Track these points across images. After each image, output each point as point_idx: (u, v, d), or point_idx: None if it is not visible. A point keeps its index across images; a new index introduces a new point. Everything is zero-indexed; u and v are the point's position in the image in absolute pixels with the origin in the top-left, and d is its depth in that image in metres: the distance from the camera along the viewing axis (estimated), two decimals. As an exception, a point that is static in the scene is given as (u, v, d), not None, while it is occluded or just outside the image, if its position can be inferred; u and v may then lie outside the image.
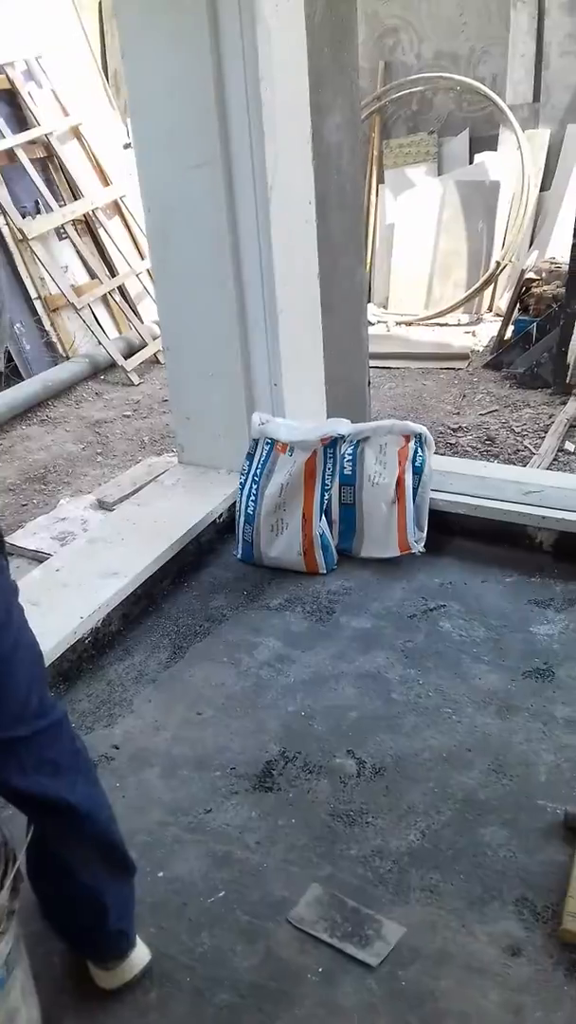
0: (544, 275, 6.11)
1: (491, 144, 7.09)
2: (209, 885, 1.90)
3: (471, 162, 7.20)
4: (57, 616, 2.59)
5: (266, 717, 2.38)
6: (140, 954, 1.69)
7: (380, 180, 7.55)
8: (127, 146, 6.67)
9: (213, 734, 2.33)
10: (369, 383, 3.95)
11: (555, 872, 1.86)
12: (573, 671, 2.47)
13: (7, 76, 5.97)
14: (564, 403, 5.34)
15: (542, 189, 6.91)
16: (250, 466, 2.96)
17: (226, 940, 1.78)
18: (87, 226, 6.45)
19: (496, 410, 5.54)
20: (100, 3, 7.62)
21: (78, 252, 6.26)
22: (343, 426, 2.84)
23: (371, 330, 7.33)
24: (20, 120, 6.10)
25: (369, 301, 7.82)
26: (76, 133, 6.44)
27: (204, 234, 2.89)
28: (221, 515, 3.23)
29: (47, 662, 2.38)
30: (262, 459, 2.93)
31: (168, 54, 2.69)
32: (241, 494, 2.99)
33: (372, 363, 6.42)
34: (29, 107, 6.10)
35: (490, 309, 7.27)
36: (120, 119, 6.83)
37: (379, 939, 1.75)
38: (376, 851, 1.96)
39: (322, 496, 2.90)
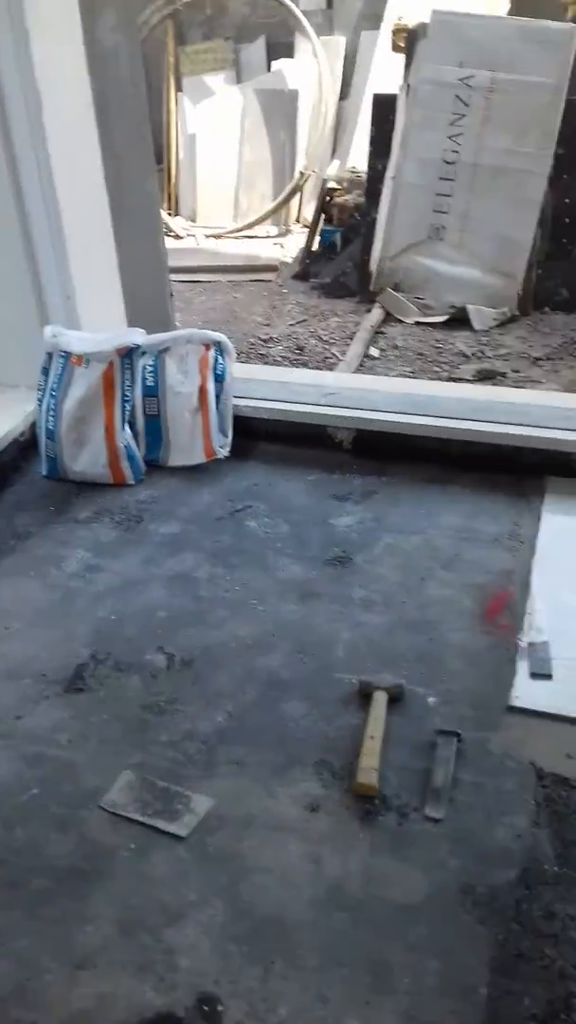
0: (346, 184, 6.21)
1: (288, 51, 7.05)
2: (22, 784, 1.94)
3: (269, 70, 7.14)
4: None
5: (76, 624, 2.42)
6: None
7: (179, 88, 7.39)
8: None
9: (22, 646, 2.35)
10: (172, 294, 3.94)
11: (351, 735, 2.01)
12: (368, 556, 2.63)
13: None
14: (369, 310, 5.51)
15: (341, 98, 6.96)
16: (46, 381, 2.93)
17: (40, 832, 1.84)
18: None
19: (305, 320, 5.65)
20: None
21: None
22: (138, 336, 2.85)
23: (180, 244, 7.26)
24: None
25: (177, 214, 7.72)
26: None
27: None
28: (23, 433, 3.18)
29: None
30: (58, 373, 2.90)
31: None
32: (39, 410, 2.96)
33: (182, 277, 6.40)
34: None
35: (297, 220, 7.33)
36: None
37: (188, 812, 1.86)
38: (186, 735, 2.05)
39: (123, 407, 2.92)
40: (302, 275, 6.29)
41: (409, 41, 4.98)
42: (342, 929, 1.63)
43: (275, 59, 7.03)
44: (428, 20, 4.84)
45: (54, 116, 2.67)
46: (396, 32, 5.05)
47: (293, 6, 6.69)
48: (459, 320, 5.23)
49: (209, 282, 6.35)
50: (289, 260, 6.67)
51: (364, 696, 2.11)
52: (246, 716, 2.10)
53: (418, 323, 5.30)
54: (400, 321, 5.38)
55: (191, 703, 2.15)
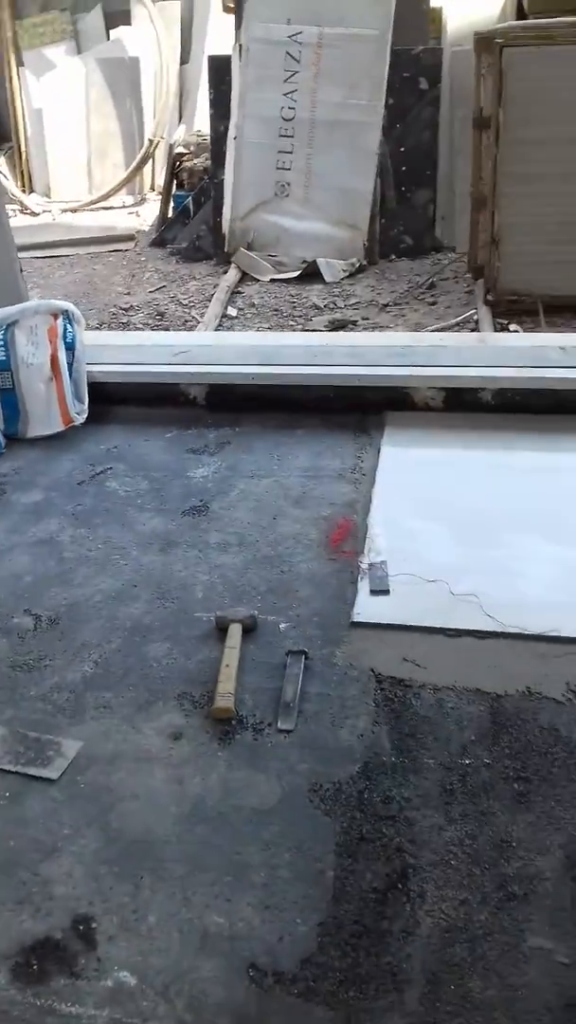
0: (193, 148, 6.20)
1: (126, 19, 6.94)
2: None
3: (108, 39, 7.02)
4: None
5: None
6: None
7: (20, 63, 7.20)
8: None
9: None
10: (21, 269, 3.90)
11: (210, 668, 2.11)
12: (223, 503, 2.72)
13: None
14: (225, 272, 5.55)
15: (182, 63, 6.91)
16: None
17: None
18: None
19: (164, 286, 5.66)
20: None
21: None
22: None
23: (37, 220, 7.13)
24: None
25: (32, 191, 7.57)
26: None
27: None
28: None
29: None
30: None
31: None
32: None
33: (41, 254, 6.31)
34: None
35: (152, 188, 7.27)
36: None
37: (59, 756, 1.93)
38: (54, 687, 2.12)
39: (-26, 383, 2.92)
40: (159, 242, 6.27)
41: (237, 2, 4.98)
42: (204, 839, 1.74)
43: (113, 28, 6.91)
44: (252, -20, 4.86)
45: None
46: (223, -6, 5.05)
47: (126, -27, 6.61)
48: (312, 274, 5.32)
49: (68, 256, 6.28)
50: (146, 228, 6.63)
51: (221, 630, 2.21)
52: (111, 663, 2.18)
53: (273, 280, 5.36)
54: (256, 280, 5.44)
55: (58, 657, 2.21)
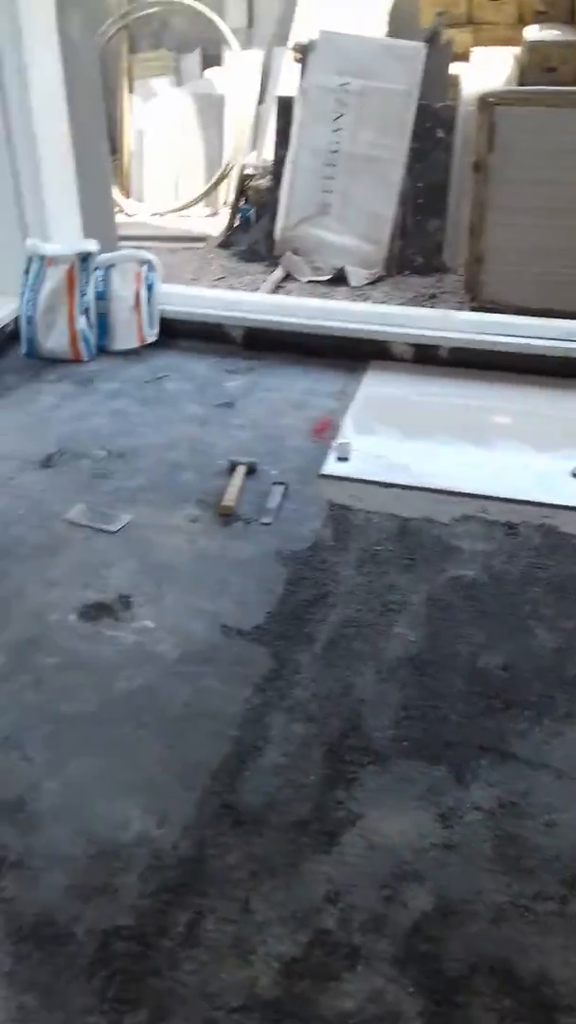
0: (259, 171, 6.99)
1: (218, 61, 7.77)
2: (13, 511, 2.75)
3: (202, 77, 7.85)
4: None
5: (47, 434, 3.22)
6: None
7: (131, 90, 8.05)
8: None
9: (11, 444, 3.15)
10: (116, 229, 4.70)
11: (220, 489, 2.87)
12: (245, 403, 3.48)
13: None
14: (273, 271, 6.32)
15: (259, 103, 7.72)
16: (27, 279, 3.70)
17: (25, 531, 2.66)
18: None
19: (224, 277, 6.42)
20: None
21: None
22: (92, 244, 3.66)
23: (130, 220, 7.95)
24: None
25: (129, 197, 8.40)
26: None
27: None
28: (8, 324, 3.94)
29: None
30: (35, 272, 3.67)
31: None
32: (22, 301, 3.73)
33: (131, 244, 7.10)
34: None
35: (225, 203, 8.06)
36: None
37: (117, 521, 2.71)
38: (116, 489, 2.88)
39: (81, 300, 3.70)
40: (224, 244, 7.06)
41: (303, 54, 5.80)
42: (205, 569, 2.50)
43: (208, 68, 7.74)
44: (316, 37, 5.68)
45: (37, 89, 3.43)
46: (295, 48, 5.87)
47: (222, 24, 7.42)
48: (340, 279, 6.08)
49: (151, 248, 7.08)
50: (215, 233, 7.43)
51: (231, 470, 2.97)
52: (155, 480, 2.94)
53: (310, 281, 6.13)
54: (296, 279, 6.21)
55: (121, 475, 2.98)
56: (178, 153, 7.94)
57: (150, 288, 3.87)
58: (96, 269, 3.78)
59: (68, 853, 1.64)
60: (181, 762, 1.85)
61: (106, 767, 1.84)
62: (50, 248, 3.66)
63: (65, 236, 3.88)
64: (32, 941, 1.50)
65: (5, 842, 1.68)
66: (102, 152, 4.12)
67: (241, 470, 2.94)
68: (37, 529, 2.67)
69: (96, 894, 1.56)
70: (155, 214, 8.02)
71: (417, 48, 5.46)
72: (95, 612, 2.33)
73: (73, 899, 1.56)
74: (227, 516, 2.74)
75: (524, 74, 5.50)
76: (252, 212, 6.86)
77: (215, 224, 7.77)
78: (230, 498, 2.78)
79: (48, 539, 2.63)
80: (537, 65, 5.85)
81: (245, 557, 2.56)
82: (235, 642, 2.23)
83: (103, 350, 3.90)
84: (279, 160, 6.14)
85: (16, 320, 3.91)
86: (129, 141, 8.09)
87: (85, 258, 3.65)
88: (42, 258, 3.65)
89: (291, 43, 6.80)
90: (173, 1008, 1.38)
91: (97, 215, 4.13)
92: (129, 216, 7.99)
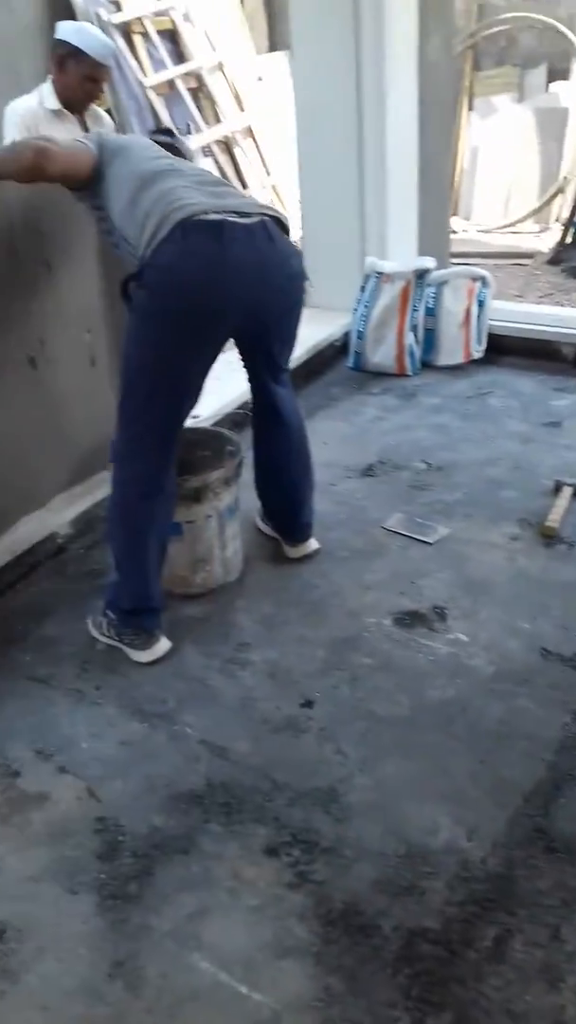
0: (600, 185, 6.72)
1: (565, 75, 7.61)
2: (334, 515, 2.90)
3: (547, 91, 7.73)
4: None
5: (368, 445, 3.36)
6: (311, 544, 2.68)
7: (470, 108, 8.14)
8: (260, 79, 7.45)
9: (334, 453, 3.32)
10: (449, 246, 4.78)
11: (544, 509, 2.81)
12: (574, 423, 3.37)
13: (171, 18, 6.81)
14: (606, 287, 6.04)
15: (608, 114, 7.43)
16: (363, 295, 3.89)
17: (347, 535, 2.79)
18: (226, 146, 7.30)
19: (552, 294, 6.27)
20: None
21: (219, 166, 7.13)
22: (430, 261, 3.75)
23: (456, 236, 8.04)
24: (179, 55, 6.94)
25: (455, 214, 8.50)
26: (220, 67, 7.25)
27: (337, 132, 3.76)
28: (338, 339, 4.17)
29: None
30: (371, 289, 3.85)
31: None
32: (355, 316, 3.93)
33: (455, 260, 7.19)
34: (186, 44, 6.93)
35: (557, 220, 7.87)
36: (254, 55, 7.59)
37: (435, 533, 2.75)
38: (435, 501, 2.93)
39: (411, 316, 3.82)
40: (554, 260, 6.89)
41: None
42: (523, 589, 2.46)
43: (553, 82, 7.61)
44: None
45: (392, 109, 3.61)
46: None
47: (574, 37, 7.26)
48: None
49: (476, 264, 7.09)
50: (545, 250, 7.27)
51: (556, 490, 2.89)
52: (475, 495, 2.95)
53: None
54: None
55: (440, 488, 3.02)
56: (512, 169, 7.89)
57: (481, 304, 3.89)
58: (428, 286, 3.87)
59: (378, 848, 1.70)
60: (493, 778, 1.83)
61: (417, 772, 1.88)
62: (389, 265, 3.82)
63: (402, 254, 4.03)
64: (340, 927, 1.57)
65: (318, 827, 1.78)
66: (445, 171, 4.23)
67: (567, 491, 2.85)
68: (357, 534, 2.79)
69: (403, 893, 1.60)
70: (482, 230, 8.03)
71: None
72: (410, 619, 2.38)
73: (380, 893, 1.61)
74: (550, 538, 2.67)
75: None
76: (588, 228, 6.61)
77: (544, 240, 7.61)
78: (555, 519, 2.70)
79: (366, 545, 2.74)
80: None
81: (568, 581, 2.48)
82: (554, 666, 2.16)
83: (427, 365, 3.99)
84: (624, 172, 5.85)
85: (345, 335, 4.13)
86: (462, 159, 8.19)
87: (421, 275, 3.76)
88: (380, 275, 3.82)
89: None
90: (477, 1019, 1.37)
91: (433, 233, 4.24)
92: (454, 232, 8.07)
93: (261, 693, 2.17)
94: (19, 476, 2.72)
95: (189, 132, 6.90)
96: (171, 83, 6.75)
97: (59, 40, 3.13)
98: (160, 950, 1.59)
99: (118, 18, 5.69)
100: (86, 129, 3.25)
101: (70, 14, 5.12)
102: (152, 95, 5.81)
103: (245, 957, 1.56)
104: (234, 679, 2.22)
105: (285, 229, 2.19)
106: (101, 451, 2.88)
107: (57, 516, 2.83)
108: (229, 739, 2.04)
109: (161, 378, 2.15)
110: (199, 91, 7.13)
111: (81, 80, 3.09)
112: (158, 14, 6.72)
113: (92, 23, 5.07)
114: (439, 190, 4.21)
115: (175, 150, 2.39)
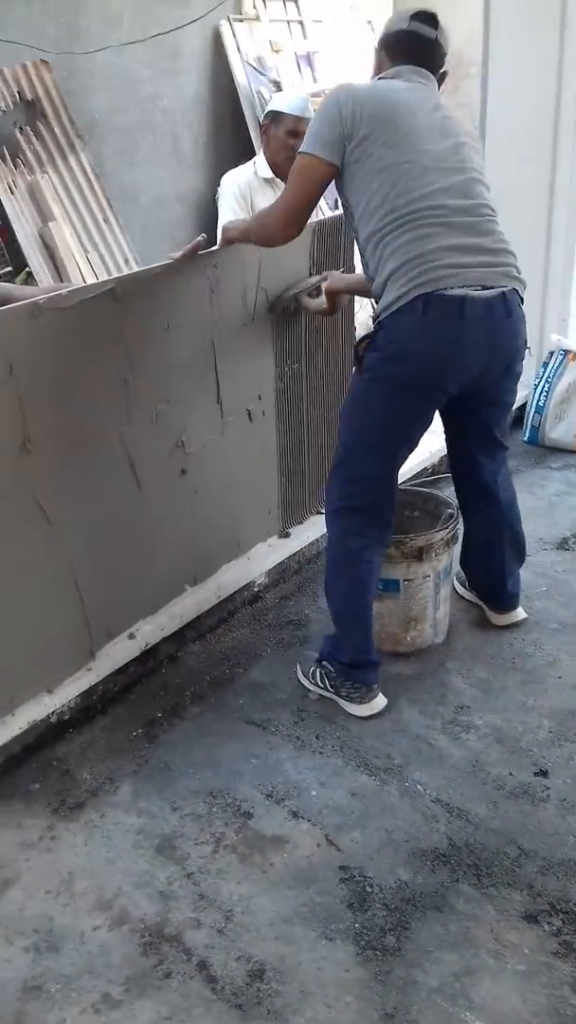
0: None
1: None
2: (536, 586, 2.94)
3: None
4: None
5: (559, 518, 3.40)
6: (519, 612, 2.73)
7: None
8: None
9: (527, 523, 3.33)
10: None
11: None
12: None
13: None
14: None
15: None
16: (545, 371, 3.99)
17: (551, 605, 2.82)
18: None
19: None
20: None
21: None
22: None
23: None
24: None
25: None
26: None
27: (526, 206, 3.91)
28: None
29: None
30: (555, 365, 3.95)
31: (522, 62, 3.72)
32: (535, 391, 4.02)
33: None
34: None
35: None
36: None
37: None
38: None
39: (596, 394, 3.90)
40: None
41: None
42: None
43: None
44: None
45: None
46: None
47: None
48: None
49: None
50: None
51: None
52: None
53: None
54: None
55: None
56: None
57: None
58: (617, 362, 3.95)
59: None
60: None
61: None
62: (572, 343, 3.92)
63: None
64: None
65: (578, 895, 1.78)
66: None
67: None
68: (563, 607, 2.82)
69: None
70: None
71: None
72: None
73: None
74: None
75: None
76: None
77: None
78: None
79: (574, 618, 2.76)
80: None
81: None
82: None
83: (605, 441, 4.03)
84: None
85: (521, 408, 4.21)
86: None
87: (610, 354, 3.85)
88: (565, 352, 3.92)
89: None
90: None
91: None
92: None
93: (490, 758, 2.20)
94: (226, 524, 2.85)
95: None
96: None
97: (264, 116, 3.42)
98: (431, 1006, 1.60)
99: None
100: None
101: (232, 93, 5.53)
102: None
103: (523, 1022, 1.56)
104: (459, 741, 2.26)
105: (522, 298, 2.25)
106: (298, 507, 3.01)
107: (256, 565, 2.95)
108: (465, 801, 2.06)
109: (383, 437, 2.27)
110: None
111: (284, 139, 3.33)
112: (314, 95, 7.18)
113: (253, 102, 5.43)
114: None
115: (429, 43, 2.24)
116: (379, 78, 2.25)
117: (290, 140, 3.26)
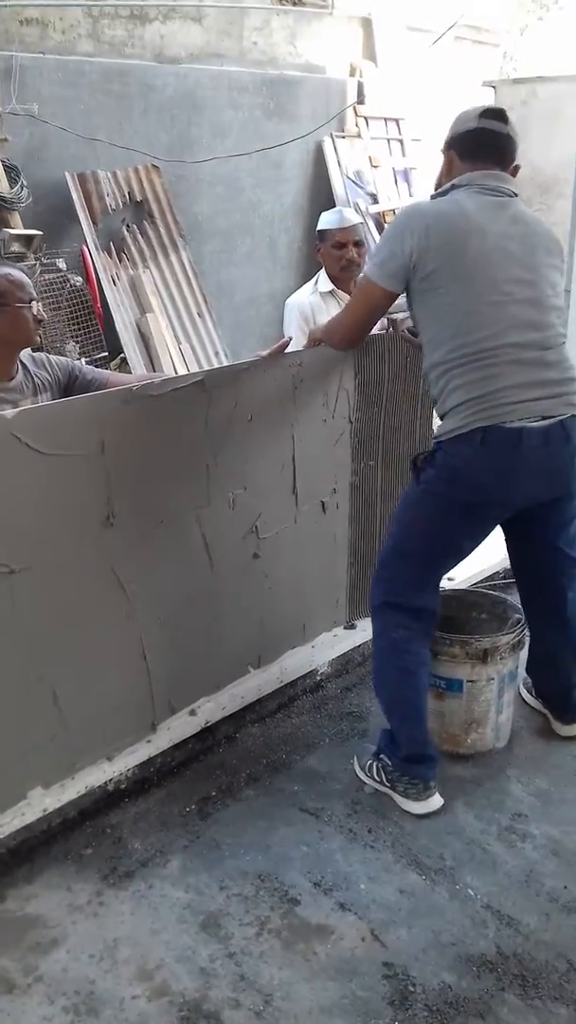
0: None
1: None
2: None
3: None
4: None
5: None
6: None
7: None
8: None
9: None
10: None
11: None
12: None
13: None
14: None
15: None
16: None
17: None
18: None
19: None
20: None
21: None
22: None
23: None
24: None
25: None
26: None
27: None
28: None
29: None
30: None
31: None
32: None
33: None
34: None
35: None
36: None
37: None
38: None
39: None
40: None
41: None
42: None
43: None
44: None
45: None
46: None
47: None
48: None
49: None
50: None
51: None
52: None
53: None
54: None
55: None
56: None
57: None
58: None
59: None
60: None
61: None
62: None
63: None
64: None
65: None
66: None
67: None
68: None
69: None
70: None
71: None
72: None
73: None
74: None
75: None
76: None
77: None
78: None
79: None
80: None
81: None
82: None
83: None
84: None
85: None
86: None
87: None
88: None
89: None
90: None
91: None
92: None
93: (546, 869, 2.20)
94: (293, 611, 2.96)
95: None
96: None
97: (316, 238, 3.69)
98: None
99: (375, 209, 6.42)
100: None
101: (331, 203, 5.89)
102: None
103: None
104: (515, 849, 2.26)
105: None
106: (365, 599, 3.10)
107: (320, 654, 3.03)
108: (517, 910, 2.06)
109: (432, 546, 2.37)
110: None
111: (333, 252, 3.56)
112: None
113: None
114: None
115: (501, 138, 2.30)
116: (451, 184, 2.32)
117: (337, 252, 3.49)
